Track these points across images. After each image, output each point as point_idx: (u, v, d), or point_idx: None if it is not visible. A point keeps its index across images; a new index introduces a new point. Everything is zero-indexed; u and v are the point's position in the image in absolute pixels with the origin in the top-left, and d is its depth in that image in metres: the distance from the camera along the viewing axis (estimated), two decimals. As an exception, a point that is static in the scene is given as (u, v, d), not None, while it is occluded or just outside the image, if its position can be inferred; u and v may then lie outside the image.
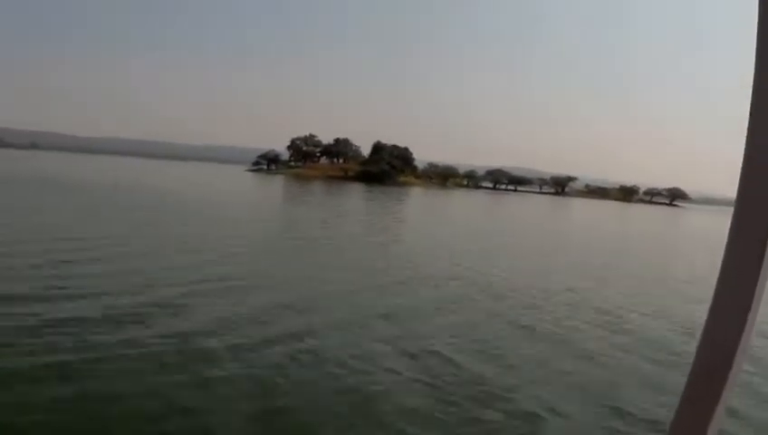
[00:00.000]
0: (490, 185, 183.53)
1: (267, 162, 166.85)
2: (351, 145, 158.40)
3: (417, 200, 79.97)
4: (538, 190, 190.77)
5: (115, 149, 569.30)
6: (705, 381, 0.96)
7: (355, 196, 76.99)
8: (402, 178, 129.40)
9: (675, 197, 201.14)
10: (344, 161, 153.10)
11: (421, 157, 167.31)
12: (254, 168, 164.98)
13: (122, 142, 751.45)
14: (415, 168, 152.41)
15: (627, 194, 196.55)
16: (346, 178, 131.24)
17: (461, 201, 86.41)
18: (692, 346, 11.18)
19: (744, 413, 8.89)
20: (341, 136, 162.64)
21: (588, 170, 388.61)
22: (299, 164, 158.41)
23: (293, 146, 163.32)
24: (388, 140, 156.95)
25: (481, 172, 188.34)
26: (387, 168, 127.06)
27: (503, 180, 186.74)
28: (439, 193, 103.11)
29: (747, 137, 0.94)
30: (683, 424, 0.98)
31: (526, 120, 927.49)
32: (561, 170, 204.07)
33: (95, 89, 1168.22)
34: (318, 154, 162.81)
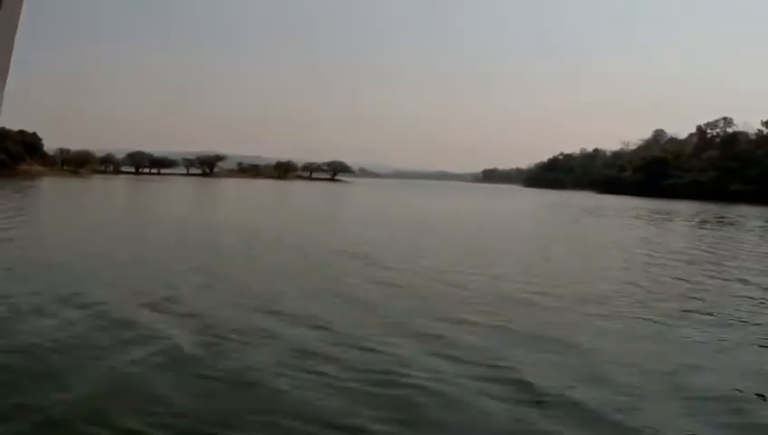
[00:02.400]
0: (132, 169, 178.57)
1: None
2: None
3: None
4: (185, 172, 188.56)
5: None
6: None
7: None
8: (24, 167, 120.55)
9: (336, 171, 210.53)
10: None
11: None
12: None
13: None
14: (44, 154, 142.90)
15: (282, 171, 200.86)
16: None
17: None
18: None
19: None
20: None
21: (244, 148, 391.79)
22: None
23: None
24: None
25: (121, 156, 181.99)
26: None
27: (144, 163, 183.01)
28: (67, 182, 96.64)
29: None
30: None
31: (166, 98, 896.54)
32: (213, 149, 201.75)
33: None
34: None
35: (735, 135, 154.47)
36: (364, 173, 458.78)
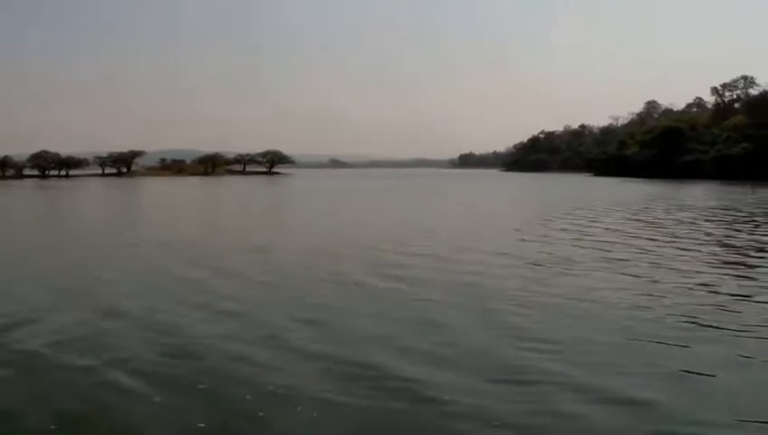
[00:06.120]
0: (36, 172, 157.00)
1: None
2: None
3: None
4: (100, 172, 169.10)
5: None
6: None
7: None
8: None
9: (273, 163, 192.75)
10: None
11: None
12: None
13: None
14: None
15: (210, 165, 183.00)
16: None
17: None
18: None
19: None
20: None
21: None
22: None
23: None
24: None
25: (24, 158, 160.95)
26: None
27: (51, 165, 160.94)
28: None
29: None
30: None
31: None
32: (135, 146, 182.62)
33: None
34: None
35: (766, 95, 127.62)
36: (336, 164, 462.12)
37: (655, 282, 15.98)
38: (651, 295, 14.26)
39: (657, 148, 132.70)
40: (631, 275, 16.79)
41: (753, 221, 33.80)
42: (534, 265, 18.63)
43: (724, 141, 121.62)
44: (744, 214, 38.73)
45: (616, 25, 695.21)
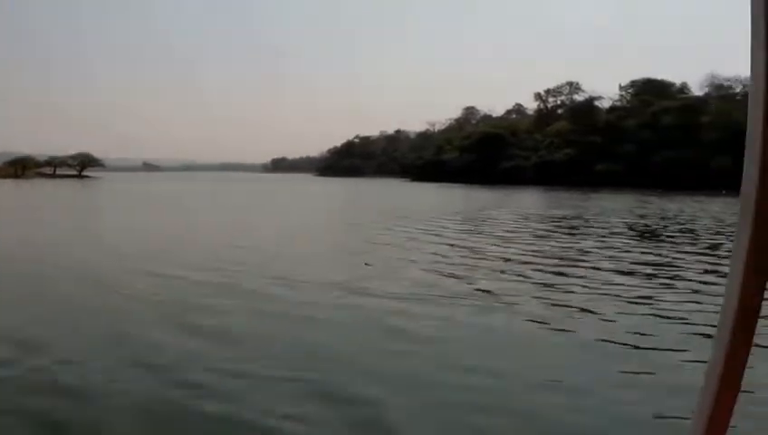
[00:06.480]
0: None
1: None
2: None
3: None
4: None
5: None
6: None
7: None
8: None
9: (84, 165, 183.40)
10: None
11: None
12: None
13: None
14: None
15: (18, 168, 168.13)
16: None
17: None
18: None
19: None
20: None
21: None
22: None
23: None
24: None
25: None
26: None
27: None
28: None
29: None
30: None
31: None
32: None
33: None
34: None
35: (591, 102, 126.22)
36: (149, 168, 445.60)
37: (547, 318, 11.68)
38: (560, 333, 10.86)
39: (476, 153, 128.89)
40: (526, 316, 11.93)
41: (620, 233, 29.11)
42: (390, 295, 13.90)
43: (546, 147, 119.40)
44: (606, 224, 34.42)
45: (431, 32, 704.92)
